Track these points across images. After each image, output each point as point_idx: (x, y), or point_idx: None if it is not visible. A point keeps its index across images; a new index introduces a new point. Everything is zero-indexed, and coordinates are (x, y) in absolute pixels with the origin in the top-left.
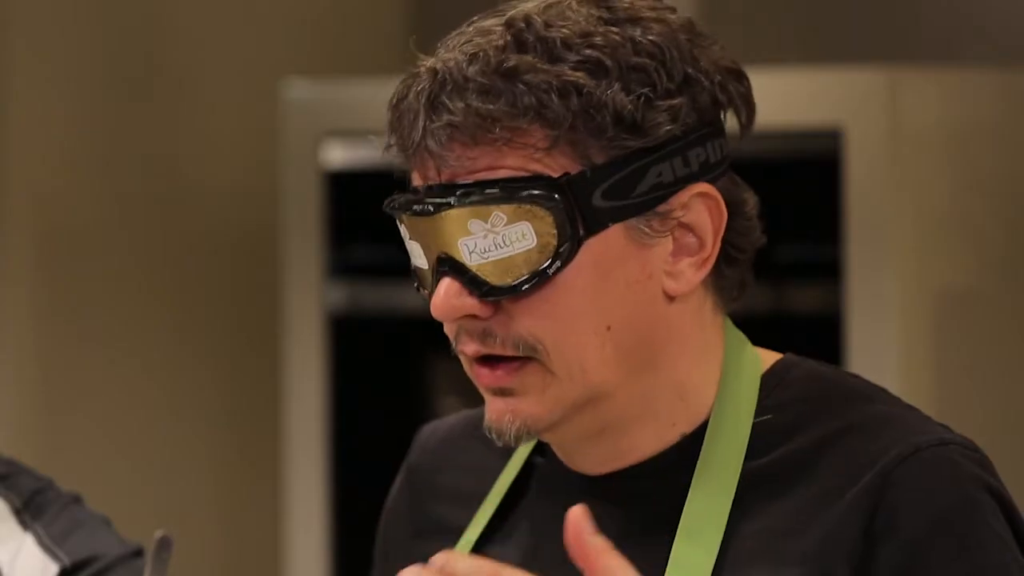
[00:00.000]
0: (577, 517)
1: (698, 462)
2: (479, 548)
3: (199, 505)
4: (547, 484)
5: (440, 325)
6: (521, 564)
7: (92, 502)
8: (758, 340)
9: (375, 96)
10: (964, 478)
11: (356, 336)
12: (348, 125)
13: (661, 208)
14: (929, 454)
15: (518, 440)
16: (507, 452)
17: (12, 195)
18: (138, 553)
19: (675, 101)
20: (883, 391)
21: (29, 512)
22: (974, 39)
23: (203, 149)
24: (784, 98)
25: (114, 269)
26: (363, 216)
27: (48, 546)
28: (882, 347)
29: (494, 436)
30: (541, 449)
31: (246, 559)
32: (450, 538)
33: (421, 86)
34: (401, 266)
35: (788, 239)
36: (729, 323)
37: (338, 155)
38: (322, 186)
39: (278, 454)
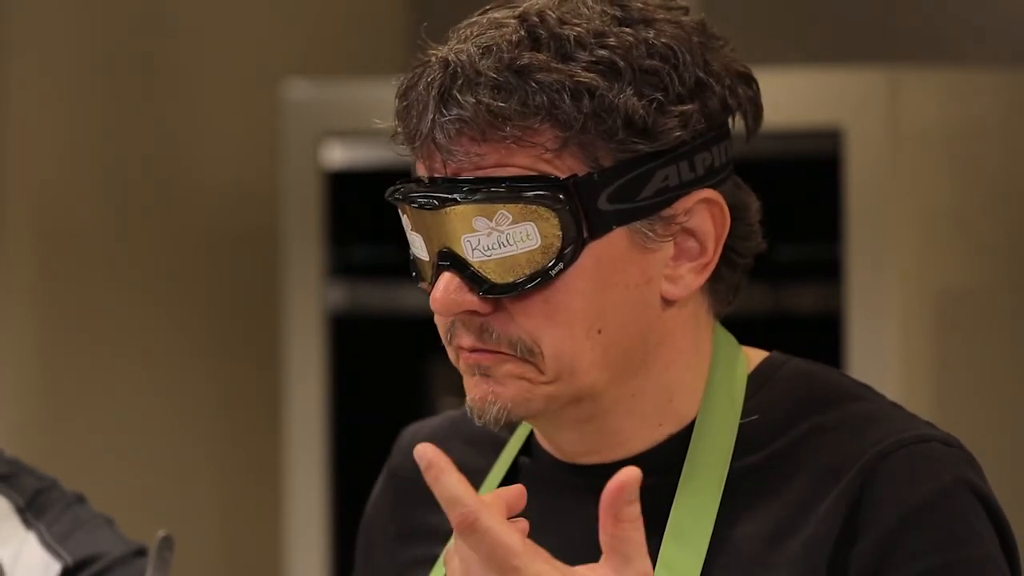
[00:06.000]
0: (629, 478)
1: (685, 463)
2: None
3: (199, 504)
4: (536, 480)
5: None
6: None
7: (92, 501)
8: (758, 340)
9: (375, 96)
10: (942, 473)
11: (356, 336)
12: (348, 125)
13: (665, 212)
14: (909, 450)
15: (498, 422)
16: (492, 454)
17: (12, 195)
18: (140, 552)
19: (687, 107)
20: (868, 388)
21: (32, 511)
22: (974, 39)
23: (203, 149)
24: (784, 98)
25: (114, 269)
26: (363, 216)
27: (51, 544)
28: (882, 347)
29: (475, 417)
30: (527, 449)
31: (246, 559)
32: (437, 541)
33: (431, 77)
34: (401, 266)
35: (788, 239)
36: (717, 323)
37: (338, 155)
38: (322, 186)
39: (278, 454)
